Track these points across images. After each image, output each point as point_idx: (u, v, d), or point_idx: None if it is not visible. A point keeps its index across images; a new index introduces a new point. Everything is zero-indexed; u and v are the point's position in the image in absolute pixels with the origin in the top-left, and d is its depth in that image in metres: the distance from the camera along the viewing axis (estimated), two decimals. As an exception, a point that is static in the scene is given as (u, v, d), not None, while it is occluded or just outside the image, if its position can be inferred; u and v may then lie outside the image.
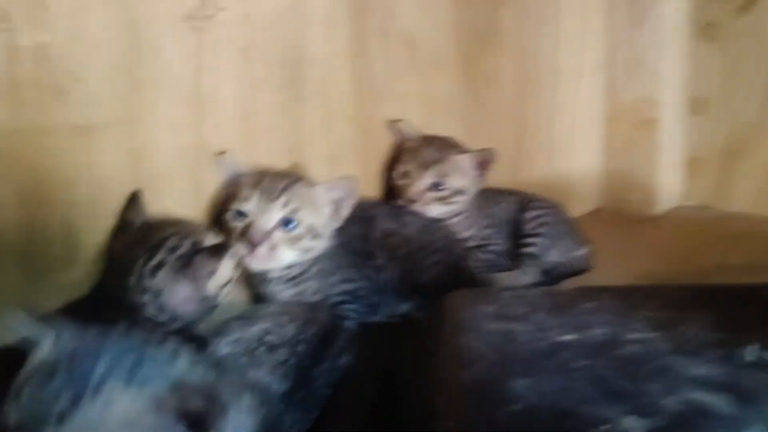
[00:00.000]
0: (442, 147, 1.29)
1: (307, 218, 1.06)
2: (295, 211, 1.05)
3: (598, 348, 0.74)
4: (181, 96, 1.05)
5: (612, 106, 1.78)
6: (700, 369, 0.69)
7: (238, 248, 1.01)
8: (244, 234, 1.03)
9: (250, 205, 1.04)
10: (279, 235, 1.04)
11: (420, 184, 1.27)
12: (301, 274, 1.09)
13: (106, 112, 0.98)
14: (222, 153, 1.09)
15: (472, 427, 0.60)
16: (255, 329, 0.88)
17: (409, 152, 1.30)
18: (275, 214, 1.04)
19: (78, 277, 0.97)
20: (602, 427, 0.59)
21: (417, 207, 1.26)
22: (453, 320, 0.82)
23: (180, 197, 1.07)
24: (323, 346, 0.89)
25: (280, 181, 1.07)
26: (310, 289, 1.08)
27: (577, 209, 1.62)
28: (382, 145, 1.35)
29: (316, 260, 1.09)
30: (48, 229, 0.95)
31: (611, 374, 0.68)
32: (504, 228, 1.39)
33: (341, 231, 1.14)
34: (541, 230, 1.35)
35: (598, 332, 0.77)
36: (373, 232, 1.18)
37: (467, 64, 1.44)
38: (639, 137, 1.78)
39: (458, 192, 1.28)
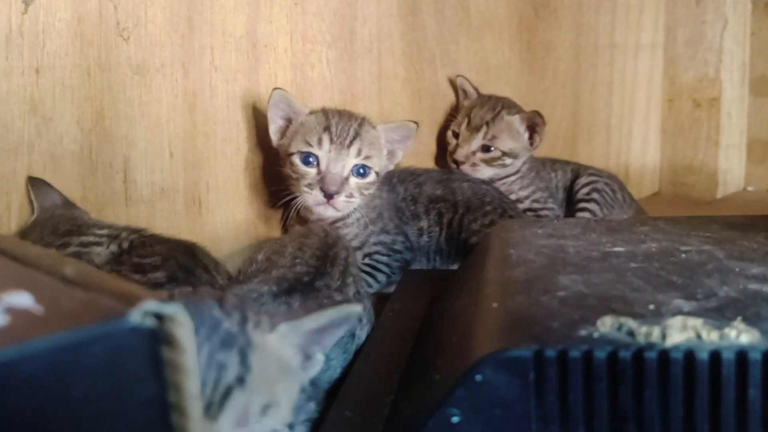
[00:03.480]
0: (494, 107, 1.29)
1: (376, 165, 1.06)
2: (368, 158, 1.05)
3: (652, 255, 0.72)
4: (236, 44, 1.08)
5: (671, 84, 1.75)
6: (757, 269, 0.66)
7: (307, 197, 1.03)
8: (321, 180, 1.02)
9: (322, 150, 1.03)
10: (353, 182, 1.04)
11: (469, 146, 1.26)
12: (341, 218, 1.09)
13: (163, 54, 1.01)
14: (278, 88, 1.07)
15: (517, 307, 0.59)
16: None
17: (463, 112, 1.30)
18: (350, 161, 1.04)
19: (134, 213, 1.00)
20: (650, 307, 0.56)
21: (465, 169, 1.25)
22: (502, 239, 0.81)
23: (233, 143, 1.09)
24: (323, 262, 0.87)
25: (349, 124, 1.05)
26: (349, 235, 1.08)
27: (636, 192, 1.58)
28: (435, 109, 1.36)
29: (358, 208, 1.09)
30: (107, 163, 0.97)
31: (664, 273, 0.66)
32: (559, 195, 1.38)
33: (389, 189, 1.15)
34: (595, 196, 1.33)
35: (652, 246, 0.75)
36: (421, 196, 1.19)
37: (522, 31, 1.44)
38: (699, 117, 1.74)
39: (507, 154, 1.27)
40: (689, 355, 0.50)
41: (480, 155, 1.27)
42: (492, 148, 1.27)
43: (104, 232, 0.92)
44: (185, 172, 1.05)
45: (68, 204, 0.93)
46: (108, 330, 0.37)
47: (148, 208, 1.01)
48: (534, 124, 1.28)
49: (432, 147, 1.37)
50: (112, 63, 0.96)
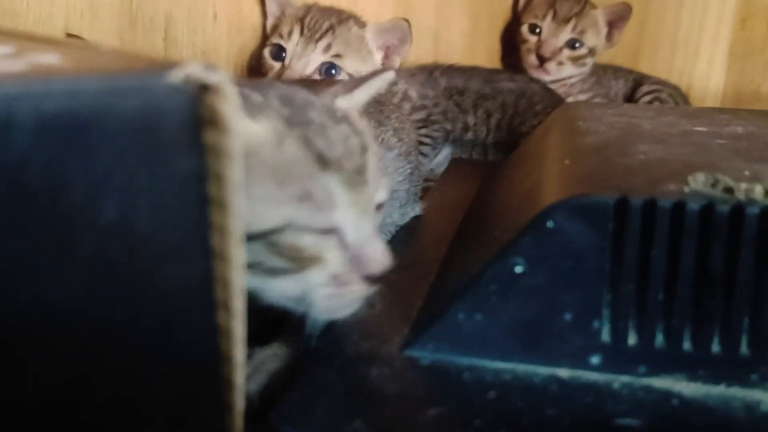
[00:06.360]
0: (579, 0, 1.20)
1: (351, 67, 0.94)
2: (337, 56, 0.94)
3: (739, 136, 0.64)
4: None
5: (746, 2, 1.62)
6: None
7: None
8: (279, 76, 0.92)
9: (290, 43, 0.93)
10: None
11: (556, 40, 1.18)
12: None
13: None
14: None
15: (594, 164, 0.53)
16: None
17: (544, 5, 1.21)
18: (315, 57, 0.93)
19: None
20: (745, 173, 0.50)
21: (550, 67, 1.17)
22: (567, 116, 0.74)
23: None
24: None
25: (325, 18, 0.95)
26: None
27: (696, 115, 1.49)
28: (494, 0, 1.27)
29: None
30: (148, 18, 0.91)
31: (755, 150, 0.59)
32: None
33: (427, 78, 1.07)
34: (657, 105, 1.25)
35: (738, 129, 0.68)
36: (468, 91, 1.11)
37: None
38: (774, 41, 1.62)
39: (592, 51, 1.19)
40: (796, 214, 0.43)
41: (567, 52, 1.18)
42: (578, 44, 1.18)
43: None
44: (228, 37, 0.98)
45: None
46: (143, 84, 0.31)
47: (188, 71, 0.96)
48: (618, 19, 1.20)
49: (490, 43, 1.29)
50: None
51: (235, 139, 0.34)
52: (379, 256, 0.48)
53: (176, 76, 0.32)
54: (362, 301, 0.50)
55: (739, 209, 0.44)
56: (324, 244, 0.46)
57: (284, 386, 0.47)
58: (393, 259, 0.49)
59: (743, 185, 0.46)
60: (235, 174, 0.34)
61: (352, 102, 0.53)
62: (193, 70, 0.32)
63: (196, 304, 0.36)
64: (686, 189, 0.46)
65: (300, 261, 0.46)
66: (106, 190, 0.31)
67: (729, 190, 0.46)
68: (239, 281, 0.36)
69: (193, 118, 0.33)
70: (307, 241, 0.45)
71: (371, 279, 0.48)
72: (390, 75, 0.57)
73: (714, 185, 0.47)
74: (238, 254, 0.36)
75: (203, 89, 0.33)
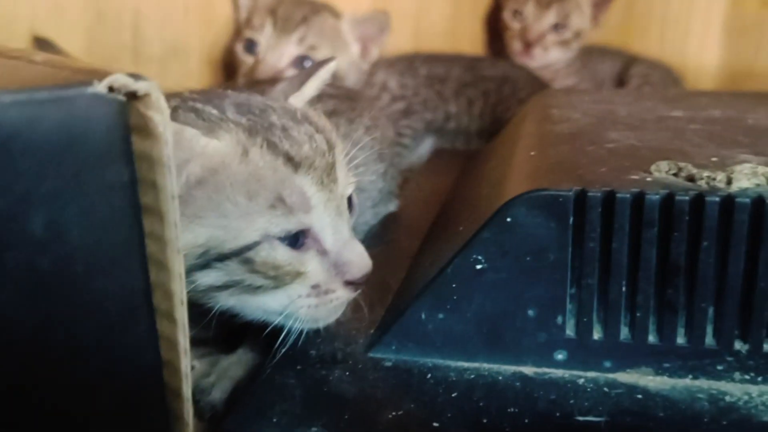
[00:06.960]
0: None
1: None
2: (312, 48, 0.92)
3: (715, 120, 0.63)
4: None
5: (739, -23, 1.60)
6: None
7: None
8: (253, 70, 0.90)
9: (263, 36, 0.91)
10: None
11: (540, 24, 1.16)
12: None
13: None
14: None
15: (559, 154, 0.52)
16: None
17: None
18: (289, 49, 0.91)
19: (144, 71, 0.93)
20: (712, 159, 0.49)
21: (536, 52, 1.16)
22: (543, 103, 0.73)
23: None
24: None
25: (299, 9, 0.93)
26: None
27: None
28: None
29: None
30: (115, 14, 0.90)
31: (728, 134, 0.58)
32: (607, 86, 1.29)
33: (406, 68, 1.06)
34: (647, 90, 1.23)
35: (715, 112, 0.66)
36: (449, 79, 1.10)
37: None
38: (765, 18, 1.60)
39: (577, 34, 1.17)
40: (758, 201, 0.42)
41: (552, 36, 1.16)
42: (563, 27, 1.16)
43: None
44: (200, 32, 0.97)
45: None
46: (64, 95, 0.30)
47: (160, 67, 0.94)
48: (603, 1, 1.18)
49: (473, 28, 1.27)
50: None
51: (167, 146, 0.33)
52: (360, 260, 0.47)
53: (100, 86, 0.31)
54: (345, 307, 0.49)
55: (700, 198, 0.43)
56: (301, 258, 0.45)
57: (245, 391, 0.46)
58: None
59: (706, 173, 0.44)
60: (169, 182, 0.33)
61: (303, 98, 0.52)
62: (117, 79, 0.31)
63: (135, 313, 0.35)
64: (648, 178, 0.45)
65: (279, 277, 0.45)
66: (32, 201, 0.30)
67: (692, 178, 0.45)
68: (180, 291, 0.35)
69: (120, 127, 0.32)
70: (284, 256, 0.45)
71: (354, 284, 0.48)
72: (333, 65, 0.56)
73: (677, 174, 0.45)
74: (177, 263, 0.35)
75: (131, 97, 0.32)
